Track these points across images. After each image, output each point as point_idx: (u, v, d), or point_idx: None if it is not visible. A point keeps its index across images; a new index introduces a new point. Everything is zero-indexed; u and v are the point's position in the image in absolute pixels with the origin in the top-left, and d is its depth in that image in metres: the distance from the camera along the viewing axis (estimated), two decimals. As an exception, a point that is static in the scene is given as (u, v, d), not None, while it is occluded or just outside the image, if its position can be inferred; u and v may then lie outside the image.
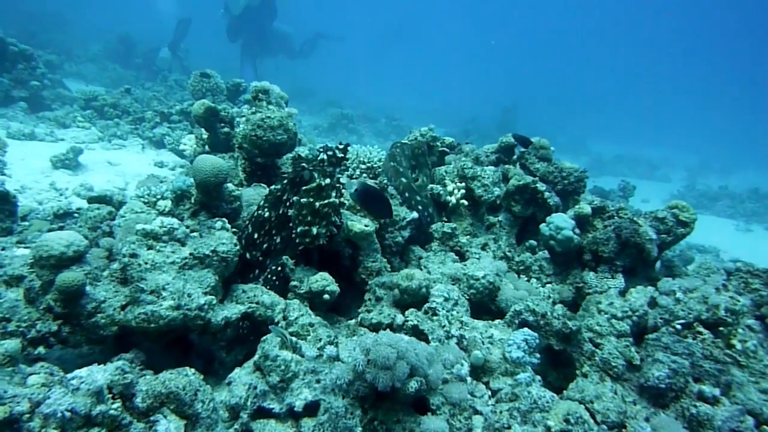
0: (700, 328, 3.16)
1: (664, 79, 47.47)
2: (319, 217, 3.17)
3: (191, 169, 3.20)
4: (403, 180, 4.41)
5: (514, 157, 6.03)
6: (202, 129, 5.74)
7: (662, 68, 50.03)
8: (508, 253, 4.39)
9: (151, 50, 17.94)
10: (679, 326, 3.24)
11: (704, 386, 2.77)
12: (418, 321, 3.00)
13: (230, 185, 3.36)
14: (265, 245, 3.36)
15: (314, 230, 3.20)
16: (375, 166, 4.54)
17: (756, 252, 11.69)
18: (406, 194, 4.33)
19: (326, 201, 3.13)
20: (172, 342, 3.01)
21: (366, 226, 3.40)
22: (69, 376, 2.07)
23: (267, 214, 3.31)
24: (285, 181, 3.26)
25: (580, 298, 4.01)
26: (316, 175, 3.12)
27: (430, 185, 4.48)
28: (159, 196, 3.62)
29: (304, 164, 3.19)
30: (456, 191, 4.42)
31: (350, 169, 4.53)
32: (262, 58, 19.17)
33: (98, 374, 2.08)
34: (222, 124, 5.61)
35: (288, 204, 3.24)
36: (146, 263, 2.78)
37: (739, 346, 2.98)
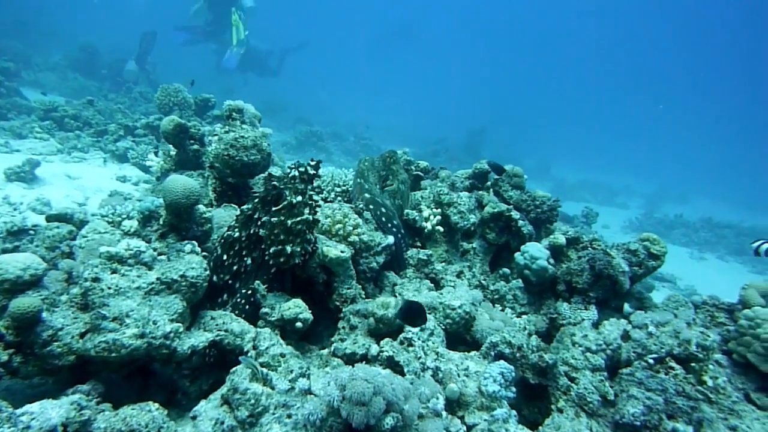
0: (672, 363, 3.22)
1: (627, 108, 49.88)
2: (292, 235, 3.11)
3: (161, 189, 3.11)
4: (366, 195, 4.41)
5: (488, 183, 6.12)
6: (170, 145, 5.63)
7: (625, 98, 52.41)
8: (483, 282, 4.41)
9: (116, 61, 17.67)
10: (651, 360, 3.30)
11: (678, 423, 2.80)
12: (393, 352, 2.96)
13: (201, 206, 3.29)
14: (234, 267, 3.27)
15: (288, 249, 3.14)
16: (350, 189, 4.52)
17: (709, 280, 12.12)
18: (371, 206, 4.30)
19: (299, 218, 3.08)
20: (132, 370, 2.88)
21: (342, 252, 3.36)
22: (18, 412, 1.95)
23: (237, 234, 3.23)
24: (256, 200, 3.20)
25: (553, 328, 4.06)
26: (287, 192, 3.08)
27: (406, 210, 4.48)
28: (124, 216, 3.50)
29: (275, 182, 3.14)
30: (432, 217, 4.43)
31: (325, 192, 4.50)
32: (232, 73, 19.35)
33: (52, 410, 1.97)
34: (191, 141, 5.51)
35: (259, 223, 3.17)
36: (109, 288, 2.67)
37: (710, 382, 3.04)
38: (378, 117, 29.30)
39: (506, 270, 4.74)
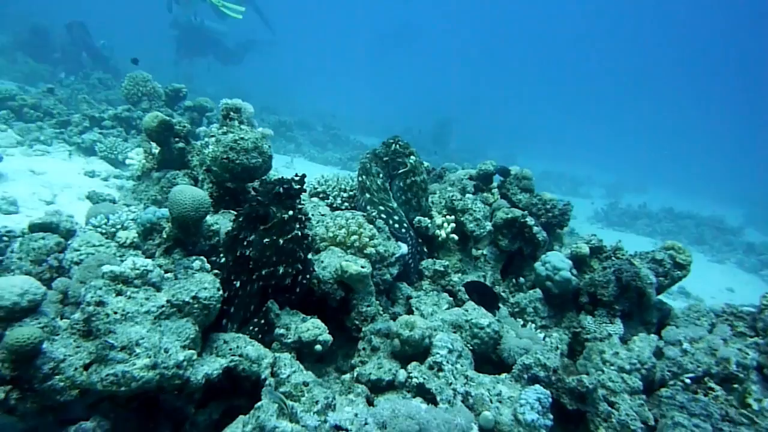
0: (712, 384, 3.23)
1: (589, 100, 52.48)
2: (284, 255, 3.01)
3: (167, 201, 2.95)
4: (366, 195, 4.33)
5: (493, 185, 6.10)
6: (152, 143, 5.44)
7: (587, 89, 54.99)
8: (502, 294, 4.37)
9: (71, 44, 17.13)
10: (688, 380, 3.30)
11: (727, 451, 2.81)
12: (424, 378, 2.89)
13: (209, 218, 3.14)
14: (225, 293, 3.12)
15: (281, 270, 3.04)
16: (357, 194, 4.41)
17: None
18: (380, 209, 4.23)
19: (290, 236, 2.97)
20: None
21: (362, 267, 3.26)
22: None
23: (223, 260, 3.09)
24: (240, 219, 3.05)
25: (577, 343, 4.05)
26: (274, 209, 2.95)
27: (417, 218, 4.40)
28: (119, 226, 3.33)
29: (259, 198, 2.98)
30: (446, 225, 4.36)
31: (330, 198, 4.39)
32: (193, 57, 19.28)
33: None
34: (176, 139, 5.34)
35: (245, 243, 3.03)
36: (115, 313, 2.52)
37: (755, 405, 3.06)
38: (343, 106, 30.03)
39: (521, 279, 4.72)
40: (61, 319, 2.76)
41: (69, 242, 3.39)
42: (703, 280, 11.45)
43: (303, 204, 3.19)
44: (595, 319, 4.05)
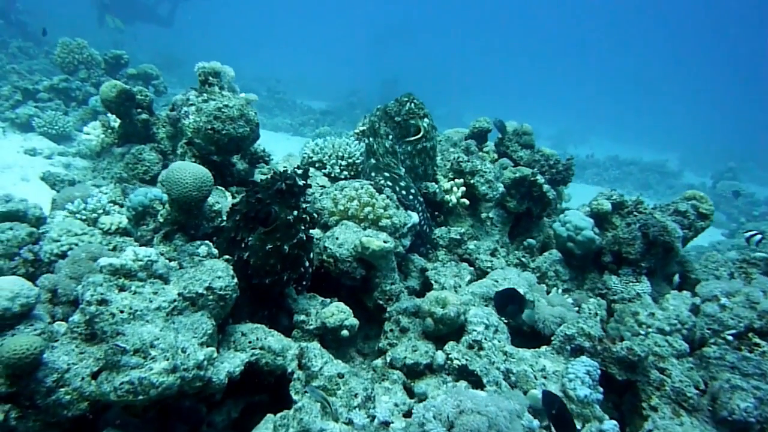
0: (756, 339, 3.24)
1: (530, 57, 53.51)
2: (289, 261, 2.82)
3: (164, 181, 2.70)
4: (372, 161, 4.19)
5: (488, 143, 5.98)
6: (111, 115, 5.09)
7: (528, 43, 56.40)
8: (522, 259, 4.29)
9: None
10: (730, 337, 3.30)
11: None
12: (466, 360, 2.78)
13: (210, 197, 2.91)
14: None
15: (285, 276, 2.87)
16: (357, 161, 4.21)
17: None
18: (386, 175, 4.08)
19: (295, 240, 2.74)
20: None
21: (385, 242, 3.11)
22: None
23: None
24: (237, 217, 2.82)
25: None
26: (277, 209, 2.70)
27: (424, 183, 4.24)
28: (100, 211, 3.06)
29: (259, 195, 2.73)
30: (455, 189, 4.22)
31: (328, 167, 4.17)
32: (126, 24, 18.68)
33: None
34: (139, 110, 5.02)
35: (243, 245, 2.78)
36: (122, 312, 2.31)
37: (807, 359, 3.08)
38: (286, 70, 29.77)
39: (531, 241, 4.65)
40: (54, 321, 2.52)
41: (42, 231, 3.12)
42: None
43: (308, 202, 2.94)
44: (621, 279, 4.02)
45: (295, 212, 2.72)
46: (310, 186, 2.89)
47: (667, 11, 59.22)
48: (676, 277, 4.22)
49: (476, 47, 52.99)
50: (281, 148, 10.88)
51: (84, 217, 3.05)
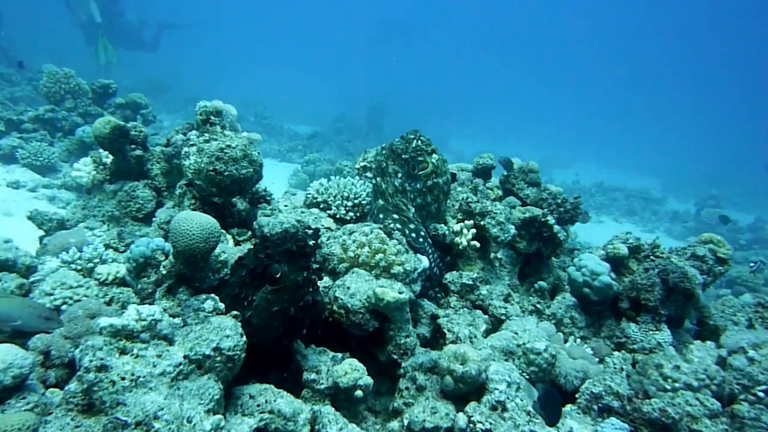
0: (789, 396, 3.13)
1: (516, 82, 55.76)
2: (293, 324, 2.66)
3: (170, 232, 2.55)
4: (380, 202, 4.12)
5: (494, 180, 5.93)
6: (103, 151, 4.95)
7: (515, 72, 58.26)
8: (538, 306, 4.17)
9: None
10: (761, 393, 3.19)
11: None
12: (491, 423, 2.63)
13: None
14: None
15: (284, 341, 2.75)
16: (363, 202, 4.09)
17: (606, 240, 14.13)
18: (395, 217, 4.00)
19: (301, 303, 2.58)
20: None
21: (400, 293, 2.97)
22: None
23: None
24: (242, 273, 2.68)
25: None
26: (286, 269, 2.55)
27: (433, 224, 4.13)
28: (96, 259, 2.90)
29: (269, 251, 2.59)
30: (465, 231, 4.11)
31: (333, 208, 4.05)
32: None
33: None
34: (133, 146, 4.88)
35: (246, 303, 2.64)
36: (123, 379, 2.14)
37: None
38: (272, 95, 30.25)
39: (542, 284, 4.54)
40: (46, 387, 2.34)
41: (32, 281, 2.94)
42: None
43: (318, 262, 2.79)
44: (640, 327, 3.91)
45: (305, 273, 2.59)
46: (320, 246, 2.78)
47: (651, 37, 61.40)
48: (687, 322, 4.13)
49: (462, 71, 54.17)
50: (269, 174, 10.75)
51: (79, 268, 2.88)
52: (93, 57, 17.89)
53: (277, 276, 2.53)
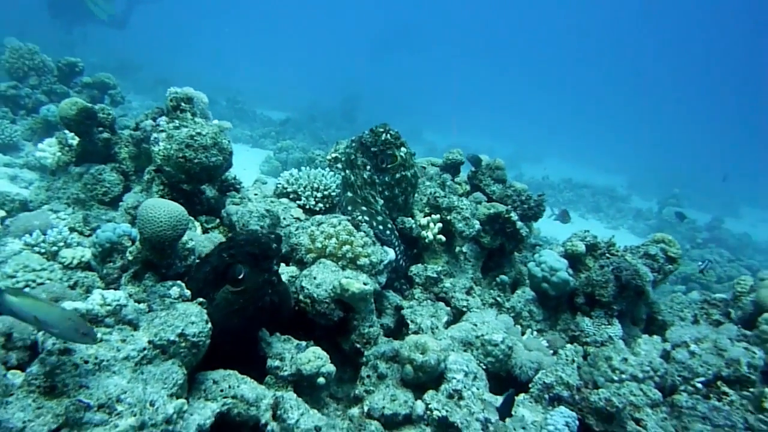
0: (725, 388, 3.30)
1: (489, 75, 55.56)
2: (253, 322, 2.81)
3: (137, 219, 2.57)
4: (348, 194, 4.17)
5: (462, 175, 6.04)
6: (68, 132, 4.87)
7: (489, 66, 58.13)
8: (498, 299, 4.30)
9: None
10: (700, 385, 3.36)
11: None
12: (447, 411, 2.73)
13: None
14: None
15: (245, 337, 2.85)
16: (332, 194, 4.14)
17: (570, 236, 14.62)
18: (363, 209, 4.07)
19: (260, 303, 2.69)
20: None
21: (365, 284, 3.05)
22: None
23: None
24: (207, 270, 2.75)
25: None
26: (247, 270, 2.63)
27: (401, 218, 4.21)
28: (61, 243, 2.90)
29: (233, 251, 2.65)
30: (431, 225, 4.19)
31: (303, 199, 4.09)
32: (70, 24, 18.16)
33: None
34: (100, 129, 4.81)
35: (208, 299, 2.71)
36: (86, 362, 2.17)
37: (773, 409, 3.14)
38: (244, 77, 30.02)
39: (504, 278, 4.66)
40: (7, 368, 2.35)
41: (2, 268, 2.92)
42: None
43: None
44: (593, 321, 4.07)
45: (265, 275, 2.65)
46: (281, 251, 2.85)
47: (625, 36, 62.07)
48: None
49: (438, 64, 54.08)
50: (241, 161, 10.63)
51: (43, 251, 2.87)
52: (62, 29, 17.44)
53: (240, 277, 2.59)
